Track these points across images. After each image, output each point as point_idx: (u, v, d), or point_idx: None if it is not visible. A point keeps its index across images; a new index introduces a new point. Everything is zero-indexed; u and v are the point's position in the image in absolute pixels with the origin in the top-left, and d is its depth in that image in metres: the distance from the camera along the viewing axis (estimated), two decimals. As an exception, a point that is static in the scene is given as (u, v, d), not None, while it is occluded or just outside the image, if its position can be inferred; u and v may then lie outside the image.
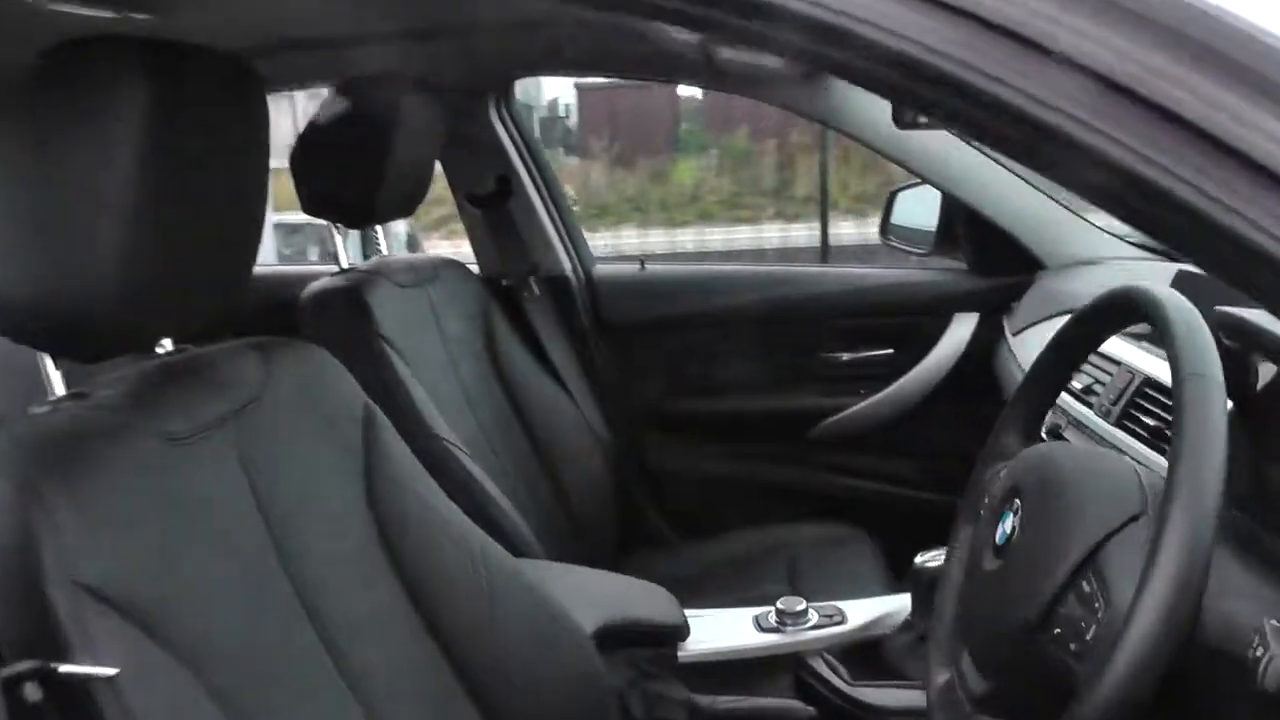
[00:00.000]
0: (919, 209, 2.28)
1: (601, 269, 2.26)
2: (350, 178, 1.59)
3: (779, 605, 1.49)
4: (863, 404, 2.20)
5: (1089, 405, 1.41)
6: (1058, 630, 0.83)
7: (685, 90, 11.13)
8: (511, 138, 2.14)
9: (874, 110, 1.98)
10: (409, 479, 1.10)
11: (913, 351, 2.19)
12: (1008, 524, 0.94)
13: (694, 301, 2.21)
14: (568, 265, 2.20)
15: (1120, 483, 0.89)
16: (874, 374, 2.22)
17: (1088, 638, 0.80)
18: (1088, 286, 1.85)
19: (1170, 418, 1.22)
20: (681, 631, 1.40)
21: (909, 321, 2.18)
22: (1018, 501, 0.94)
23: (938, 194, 2.17)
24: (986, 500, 1.09)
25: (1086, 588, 0.82)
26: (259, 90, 0.91)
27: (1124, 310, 0.98)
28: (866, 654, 1.46)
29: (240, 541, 0.91)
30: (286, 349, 1.03)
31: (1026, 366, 1.72)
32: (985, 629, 0.93)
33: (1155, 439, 1.23)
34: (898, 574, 1.79)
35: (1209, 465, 0.75)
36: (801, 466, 2.25)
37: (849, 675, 1.38)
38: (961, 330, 2.15)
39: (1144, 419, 1.25)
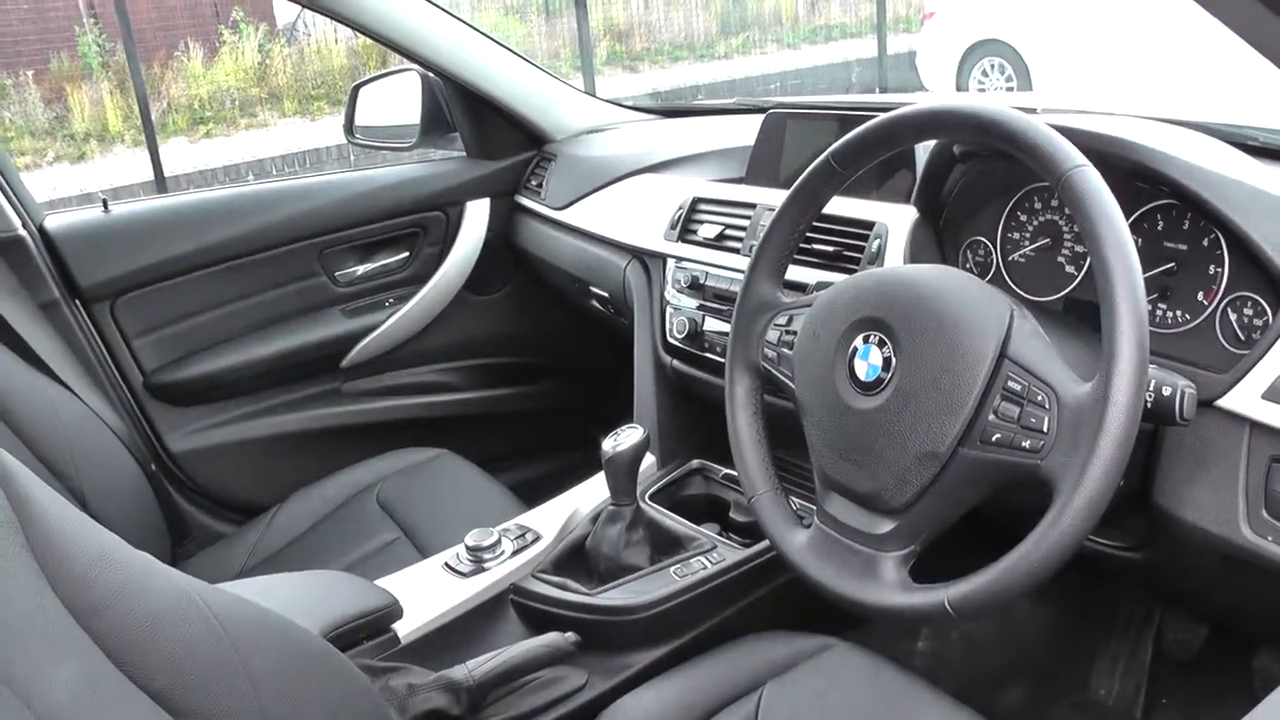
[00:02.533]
0: (392, 102, 2.11)
1: (57, 221, 1.73)
2: None
3: (467, 543, 1.31)
4: (395, 317, 2.01)
5: (734, 250, 1.42)
6: (996, 436, 0.82)
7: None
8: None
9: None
10: (82, 539, 0.75)
11: (433, 250, 2.04)
12: (871, 358, 0.90)
13: (175, 242, 1.80)
14: (16, 223, 1.65)
15: (981, 289, 0.90)
16: (397, 282, 2.03)
17: (1045, 428, 0.80)
18: (617, 149, 1.87)
19: (848, 246, 1.28)
20: (396, 611, 1.16)
21: (421, 220, 2.03)
22: (877, 334, 0.90)
23: (416, 83, 2.03)
24: (775, 352, 1.04)
25: (1016, 385, 0.82)
26: None
27: (927, 128, 0.97)
28: (573, 560, 1.35)
29: None
30: None
31: (609, 233, 1.71)
32: (872, 464, 0.89)
33: (835, 262, 1.28)
34: (505, 482, 1.69)
35: (1126, 238, 0.78)
36: (347, 401, 2.00)
37: (585, 586, 1.27)
38: (477, 218, 2.06)
39: (815, 249, 1.29)
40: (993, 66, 7.36)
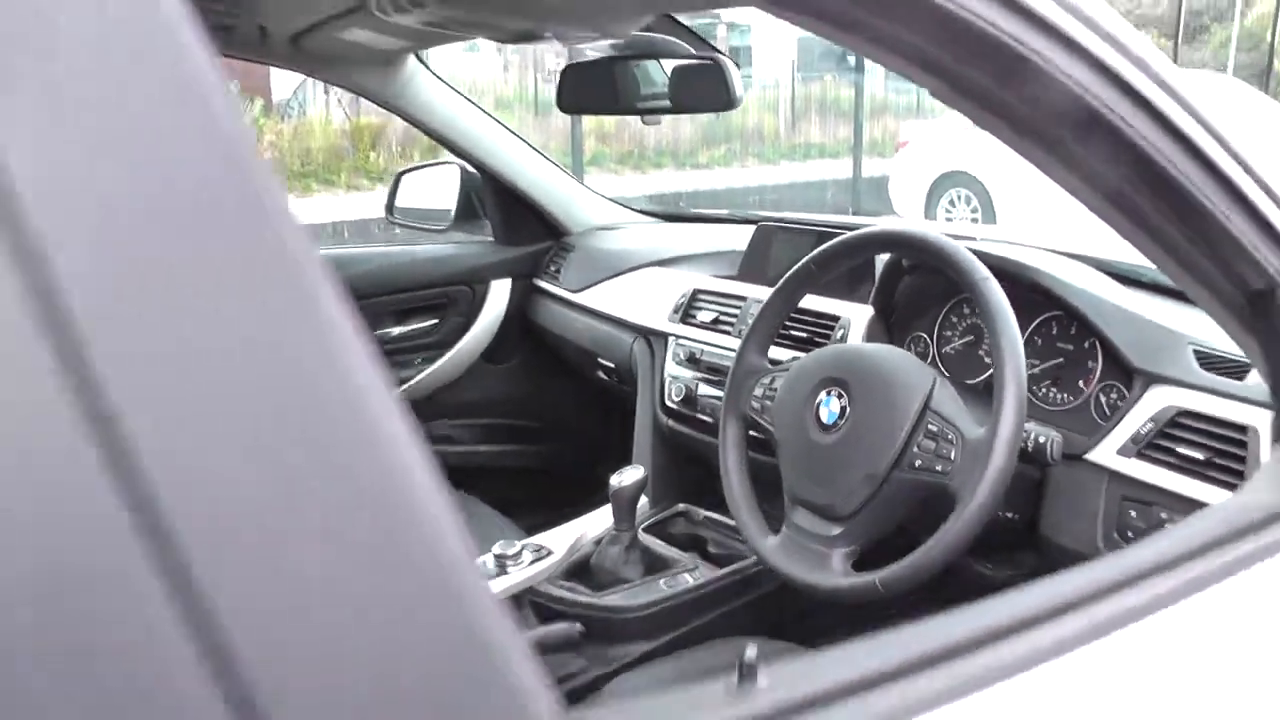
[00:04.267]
0: (431, 189, 2.46)
1: None
2: None
3: (494, 551, 1.59)
4: (421, 375, 2.31)
5: (725, 332, 1.75)
6: (918, 463, 1.14)
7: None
8: None
9: (432, 95, 2.12)
10: None
11: (458, 320, 2.36)
12: (832, 406, 1.23)
13: None
14: None
15: (914, 362, 1.23)
16: (425, 345, 2.34)
17: (952, 456, 1.12)
18: (628, 245, 2.21)
19: (818, 332, 1.61)
20: None
21: (450, 291, 2.34)
22: (838, 387, 1.23)
23: (455, 173, 2.37)
24: (760, 405, 1.36)
25: (933, 427, 1.14)
26: None
27: (885, 246, 1.32)
28: (579, 572, 1.64)
29: None
30: None
31: (620, 314, 2.04)
32: (829, 484, 1.20)
33: (808, 344, 1.60)
34: (519, 523, 1.97)
35: (1015, 332, 1.11)
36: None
37: (587, 590, 1.55)
38: (499, 295, 2.38)
39: (792, 334, 1.62)
40: (960, 197, 7.87)
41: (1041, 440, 1.16)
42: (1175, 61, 14.95)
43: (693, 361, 1.79)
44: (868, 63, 10.55)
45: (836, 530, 1.20)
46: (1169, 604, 0.67)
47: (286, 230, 0.37)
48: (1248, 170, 0.74)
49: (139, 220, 0.34)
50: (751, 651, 0.54)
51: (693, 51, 1.52)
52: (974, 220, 7.68)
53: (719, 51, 1.59)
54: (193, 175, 0.36)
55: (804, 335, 1.62)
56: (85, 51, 0.35)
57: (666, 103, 1.65)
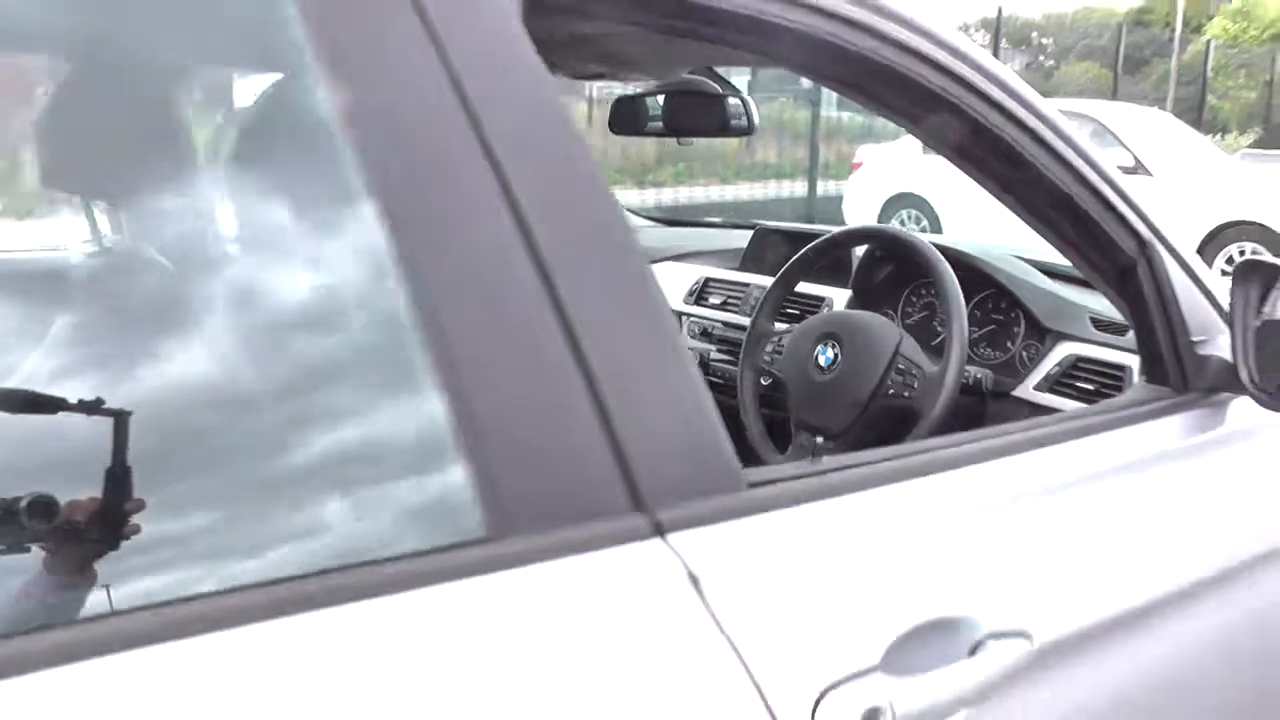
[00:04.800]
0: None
1: None
2: None
3: None
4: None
5: (734, 310, 2.19)
6: (891, 390, 1.58)
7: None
8: None
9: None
10: None
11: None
12: (828, 354, 1.67)
13: None
14: None
15: (888, 322, 1.68)
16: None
17: (915, 385, 1.56)
18: (645, 243, 2.61)
19: (809, 308, 2.06)
20: None
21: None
22: (833, 340, 1.67)
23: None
24: (770, 359, 1.81)
25: (901, 366, 1.59)
26: None
27: (867, 239, 1.78)
28: None
29: None
30: None
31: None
32: (826, 411, 1.64)
33: (799, 319, 2.05)
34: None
35: (961, 302, 1.57)
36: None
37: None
38: None
39: (788, 311, 2.07)
40: (909, 216, 8.42)
41: (979, 376, 1.62)
42: (1115, 93, 15.39)
43: (705, 334, 2.22)
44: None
45: (830, 446, 1.64)
46: (1039, 446, 1.08)
47: (608, 197, 0.81)
48: (1098, 172, 1.18)
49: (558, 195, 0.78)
50: (820, 439, 0.98)
51: (718, 89, 1.96)
52: (923, 237, 8.19)
53: (733, 89, 2.03)
54: (569, 170, 0.80)
55: (797, 312, 2.06)
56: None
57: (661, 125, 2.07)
